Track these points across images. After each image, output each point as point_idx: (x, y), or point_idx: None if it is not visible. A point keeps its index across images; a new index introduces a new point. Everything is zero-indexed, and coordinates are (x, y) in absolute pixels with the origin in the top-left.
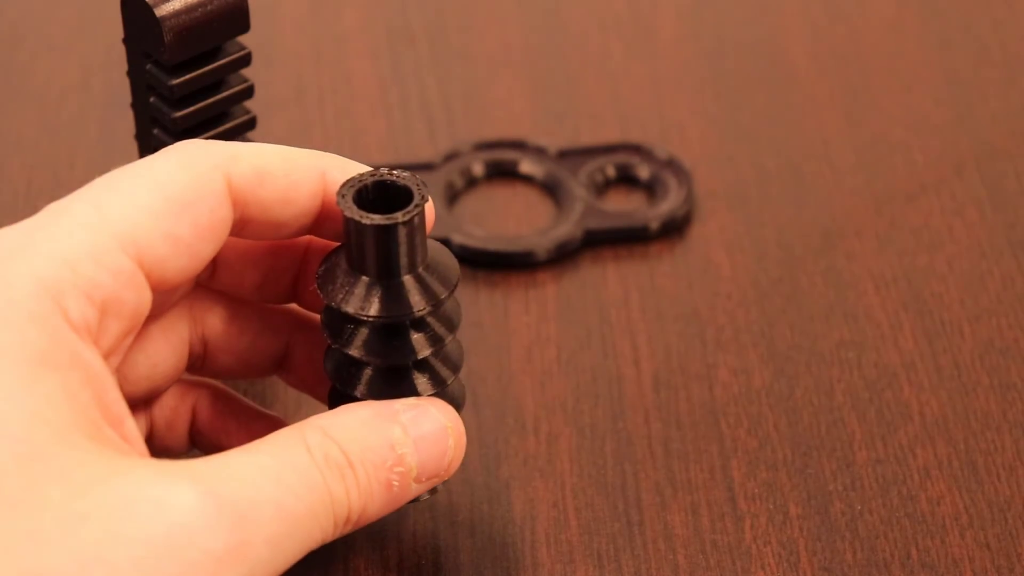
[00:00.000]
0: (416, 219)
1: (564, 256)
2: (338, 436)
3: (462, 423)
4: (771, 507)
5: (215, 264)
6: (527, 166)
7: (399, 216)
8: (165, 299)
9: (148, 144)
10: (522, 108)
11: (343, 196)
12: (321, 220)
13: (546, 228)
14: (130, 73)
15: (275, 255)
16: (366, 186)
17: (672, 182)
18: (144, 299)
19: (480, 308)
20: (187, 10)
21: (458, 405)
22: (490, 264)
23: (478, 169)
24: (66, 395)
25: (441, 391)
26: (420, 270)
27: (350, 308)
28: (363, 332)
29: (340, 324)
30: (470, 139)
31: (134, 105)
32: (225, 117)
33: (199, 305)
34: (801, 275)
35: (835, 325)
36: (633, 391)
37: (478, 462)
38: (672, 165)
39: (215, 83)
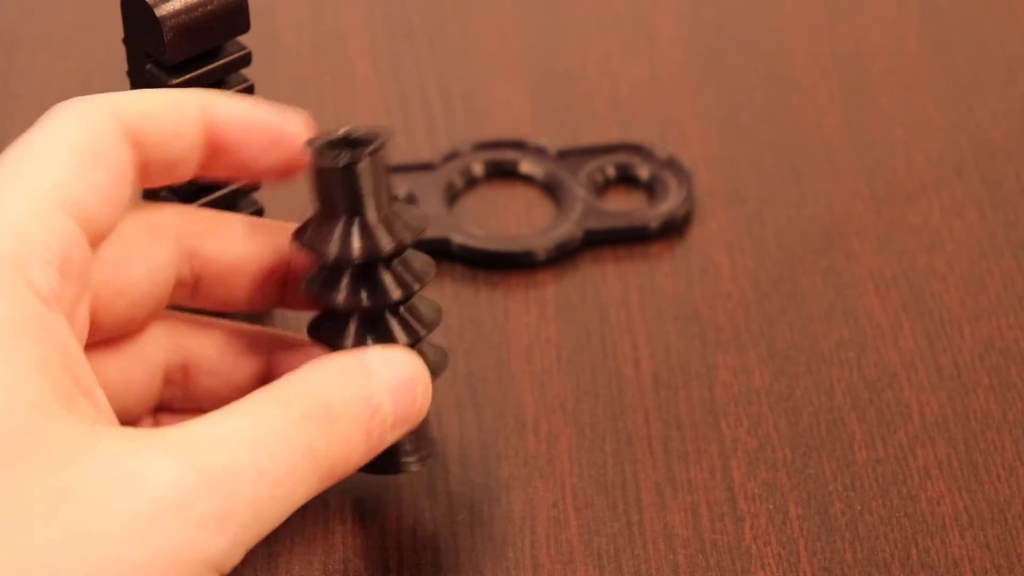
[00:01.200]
0: (367, 162)
1: (564, 256)
2: (317, 392)
3: (427, 370)
4: (771, 507)
5: (197, 281)
6: (527, 166)
7: (349, 157)
8: (135, 314)
9: None
10: (522, 108)
11: (311, 145)
12: (211, 153)
13: (546, 228)
14: (130, 73)
15: (259, 262)
16: (334, 141)
17: (672, 182)
18: (87, 256)
19: (480, 308)
20: (187, 10)
21: (443, 364)
22: (490, 264)
23: (478, 169)
24: (41, 366)
25: (416, 343)
26: (385, 212)
27: (329, 250)
28: (344, 278)
29: (320, 279)
30: (470, 139)
31: None
32: None
33: (176, 333)
34: (801, 275)
35: (835, 325)
36: (633, 391)
37: (478, 462)
38: (672, 165)
39: (215, 83)
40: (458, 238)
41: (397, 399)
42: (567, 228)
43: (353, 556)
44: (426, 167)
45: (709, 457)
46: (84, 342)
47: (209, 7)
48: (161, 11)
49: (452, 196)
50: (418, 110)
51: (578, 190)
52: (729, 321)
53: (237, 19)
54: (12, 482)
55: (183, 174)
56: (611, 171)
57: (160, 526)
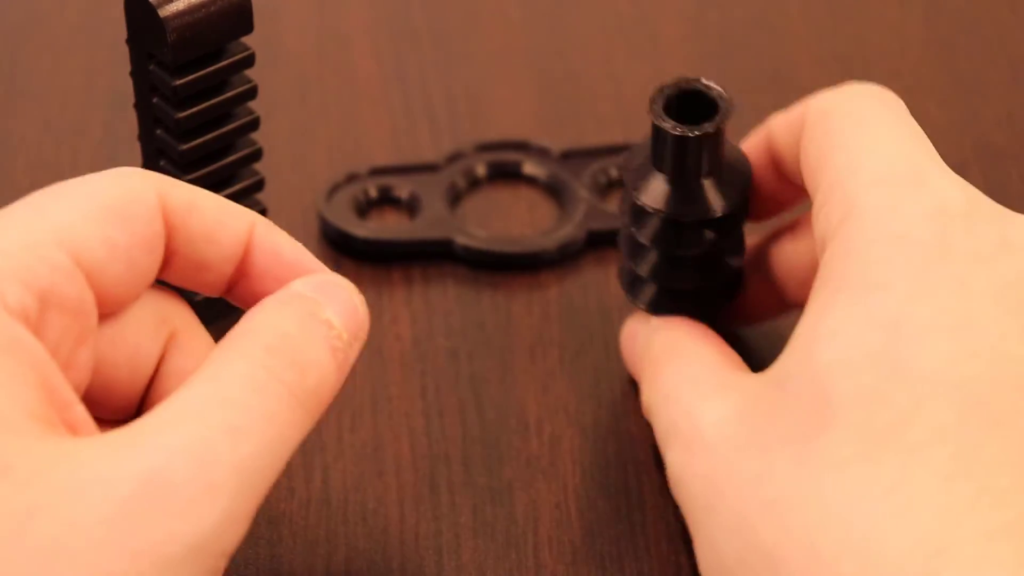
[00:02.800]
0: (711, 135)
1: (567, 258)
2: (268, 324)
3: (351, 284)
4: None
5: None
6: (530, 167)
7: (694, 129)
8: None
9: (151, 145)
10: (525, 109)
11: (653, 101)
12: (242, 274)
13: (549, 229)
14: (133, 74)
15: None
16: (675, 93)
17: None
18: (87, 298)
19: (483, 309)
20: (191, 11)
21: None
22: (493, 265)
23: (481, 170)
24: (10, 379)
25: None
26: (715, 176)
27: (647, 201)
28: (653, 223)
29: (636, 211)
30: (473, 140)
31: (137, 106)
32: (228, 118)
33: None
34: None
35: None
36: (636, 392)
37: (480, 463)
38: None
39: (218, 84)
40: (461, 239)
41: (340, 313)
42: (570, 229)
43: (356, 558)
44: (429, 168)
45: None
46: (86, 382)
47: (213, 8)
48: (165, 12)
49: (455, 197)
50: (421, 111)
51: (581, 191)
52: None
53: (241, 20)
54: None
55: (210, 284)
56: (614, 172)
57: (134, 527)
